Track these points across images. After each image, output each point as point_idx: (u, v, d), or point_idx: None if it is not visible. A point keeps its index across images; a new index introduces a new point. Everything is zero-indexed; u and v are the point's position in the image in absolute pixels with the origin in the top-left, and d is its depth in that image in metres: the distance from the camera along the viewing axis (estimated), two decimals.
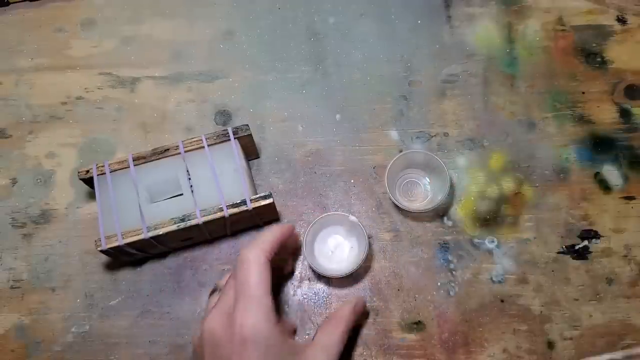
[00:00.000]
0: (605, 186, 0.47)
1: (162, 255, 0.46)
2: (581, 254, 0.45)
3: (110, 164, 0.43)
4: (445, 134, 0.49)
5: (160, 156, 0.43)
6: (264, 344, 0.33)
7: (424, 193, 0.47)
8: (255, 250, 0.36)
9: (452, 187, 0.47)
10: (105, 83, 0.51)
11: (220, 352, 0.34)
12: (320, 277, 0.45)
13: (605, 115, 0.49)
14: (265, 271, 0.35)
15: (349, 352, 0.43)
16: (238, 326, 0.33)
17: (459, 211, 0.46)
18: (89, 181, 0.43)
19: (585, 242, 0.45)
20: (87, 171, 0.43)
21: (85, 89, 0.51)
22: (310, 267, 0.44)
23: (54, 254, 0.46)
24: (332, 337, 0.38)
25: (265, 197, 0.41)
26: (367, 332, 0.43)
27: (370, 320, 0.44)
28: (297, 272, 0.45)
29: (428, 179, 0.47)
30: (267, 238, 0.37)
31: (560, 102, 0.50)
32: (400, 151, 0.48)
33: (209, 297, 0.41)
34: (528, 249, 0.45)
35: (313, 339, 0.38)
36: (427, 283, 0.44)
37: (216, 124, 0.50)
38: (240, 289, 0.35)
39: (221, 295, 0.37)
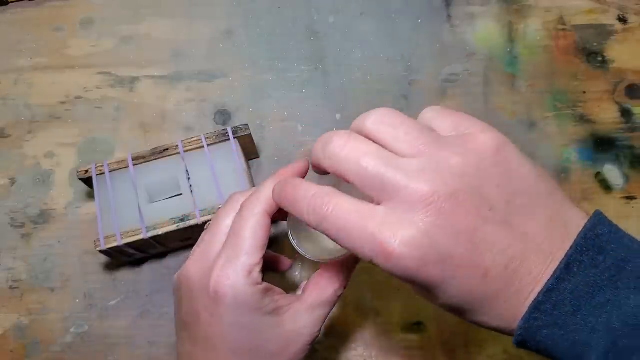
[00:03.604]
0: (606, 186, 0.47)
1: (162, 255, 0.46)
2: None
3: (110, 163, 0.43)
4: None
5: (159, 156, 0.43)
6: (238, 305, 0.30)
7: None
8: (256, 201, 0.31)
9: None
10: (104, 82, 0.51)
11: (192, 304, 0.31)
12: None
13: (607, 115, 0.49)
14: (262, 226, 0.31)
15: (349, 353, 0.42)
16: (214, 280, 0.30)
17: None
18: (88, 181, 0.43)
19: None
20: (86, 171, 0.43)
21: (84, 88, 0.51)
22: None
23: (53, 254, 0.46)
24: (323, 295, 0.32)
25: None
26: (367, 332, 0.43)
27: (370, 320, 0.43)
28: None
29: None
30: (270, 190, 0.32)
31: (561, 102, 0.50)
32: None
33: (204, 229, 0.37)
34: None
35: (303, 292, 0.33)
36: None
37: (216, 123, 0.49)
38: (230, 238, 0.31)
39: (207, 234, 0.33)
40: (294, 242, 0.33)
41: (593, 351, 0.24)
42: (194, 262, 0.32)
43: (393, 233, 0.24)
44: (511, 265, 0.25)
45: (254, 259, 0.30)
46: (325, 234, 0.27)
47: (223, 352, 0.31)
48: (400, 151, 0.26)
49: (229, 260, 0.30)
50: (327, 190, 0.27)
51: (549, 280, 0.25)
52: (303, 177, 0.34)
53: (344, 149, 0.26)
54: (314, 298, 0.32)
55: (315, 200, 0.27)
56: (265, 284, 0.31)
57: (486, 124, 0.28)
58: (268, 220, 0.32)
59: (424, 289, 0.26)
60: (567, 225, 0.26)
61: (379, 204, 0.26)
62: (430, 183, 0.25)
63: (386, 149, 0.26)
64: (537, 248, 0.25)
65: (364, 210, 0.25)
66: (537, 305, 0.25)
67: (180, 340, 0.34)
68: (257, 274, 0.30)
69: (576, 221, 0.26)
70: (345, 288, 0.34)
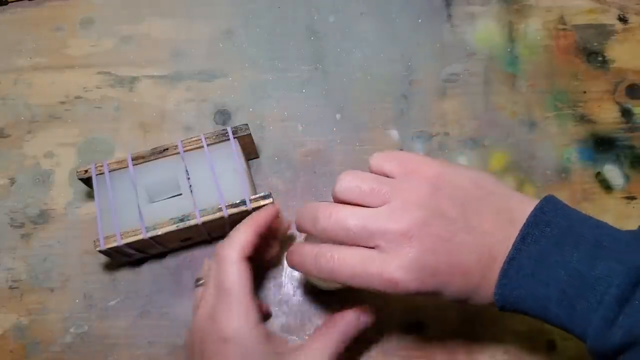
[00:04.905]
0: (606, 186, 0.47)
1: (162, 255, 0.45)
2: None
3: (109, 163, 0.43)
4: (446, 134, 0.49)
5: (159, 156, 0.43)
6: (243, 345, 0.34)
7: None
8: (230, 250, 0.35)
9: None
10: (104, 82, 0.51)
11: (206, 350, 0.35)
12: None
13: (607, 115, 0.49)
14: (242, 271, 0.35)
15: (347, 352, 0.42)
16: (218, 328, 0.34)
17: None
18: (87, 181, 0.43)
19: None
20: (86, 171, 0.43)
21: (84, 88, 0.51)
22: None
23: (52, 254, 0.46)
24: (325, 344, 0.35)
25: (264, 197, 0.41)
26: (367, 332, 0.43)
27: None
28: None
29: None
30: (243, 235, 0.36)
31: (562, 102, 0.50)
32: (401, 149, 0.48)
33: (195, 287, 0.40)
34: None
35: (308, 338, 0.36)
36: None
37: (215, 123, 0.49)
38: (219, 289, 0.35)
39: (204, 291, 0.37)
40: (312, 278, 0.37)
41: (551, 302, 0.30)
42: (202, 315, 0.36)
43: (393, 268, 0.30)
44: (482, 258, 0.32)
45: (246, 301, 0.35)
46: (339, 281, 0.32)
47: None
48: (371, 204, 0.32)
49: (225, 310, 0.34)
50: (326, 247, 0.33)
51: (510, 251, 0.31)
52: (276, 218, 0.40)
53: (330, 221, 0.32)
54: (316, 346, 0.36)
55: (320, 260, 0.32)
56: (266, 329, 0.35)
57: (424, 157, 0.34)
58: (247, 265, 0.36)
59: (429, 295, 0.32)
60: (513, 213, 0.32)
61: (373, 248, 0.32)
62: (403, 221, 0.31)
63: (360, 205, 0.33)
64: (495, 238, 0.32)
65: (363, 256, 0.31)
66: (504, 273, 0.31)
67: None
68: (253, 316, 0.35)
69: (521, 207, 0.32)
70: (351, 338, 0.37)
